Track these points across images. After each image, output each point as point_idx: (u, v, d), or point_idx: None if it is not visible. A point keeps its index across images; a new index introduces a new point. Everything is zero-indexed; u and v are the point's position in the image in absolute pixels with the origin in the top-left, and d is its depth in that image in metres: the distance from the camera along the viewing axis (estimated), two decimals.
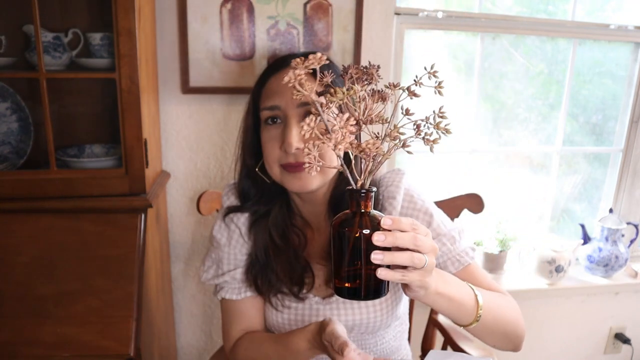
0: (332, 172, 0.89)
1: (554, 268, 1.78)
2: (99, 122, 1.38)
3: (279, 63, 0.92)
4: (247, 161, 0.96)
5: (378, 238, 0.61)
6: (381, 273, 0.62)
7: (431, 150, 0.61)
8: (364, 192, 0.63)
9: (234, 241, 0.99)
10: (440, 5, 1.69)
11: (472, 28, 1.66)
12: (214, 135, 1.50)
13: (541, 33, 1.73)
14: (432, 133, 0.60)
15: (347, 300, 0.92)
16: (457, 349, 1.22)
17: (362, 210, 0.63)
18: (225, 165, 1.53)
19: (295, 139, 0.84)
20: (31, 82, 1.28)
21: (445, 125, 0.60)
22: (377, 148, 0.59)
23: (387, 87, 0.62)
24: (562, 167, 1.94)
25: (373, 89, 0.62)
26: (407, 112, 0.61)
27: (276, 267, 0.95)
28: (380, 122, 0.61)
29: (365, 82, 0.62)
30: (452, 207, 1.40)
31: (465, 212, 1.41)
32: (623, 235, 1.86)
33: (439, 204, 1.39)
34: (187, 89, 1.42)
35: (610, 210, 1.88)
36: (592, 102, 1.90)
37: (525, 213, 1.97)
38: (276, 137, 0.88)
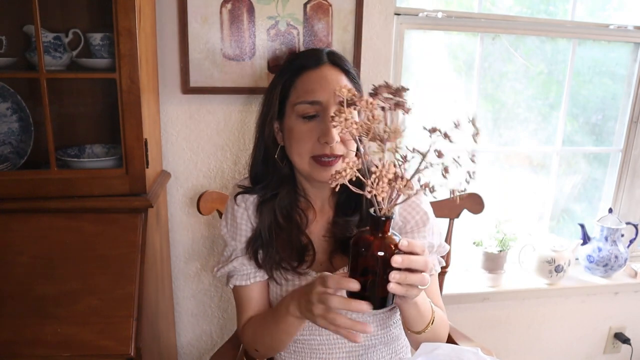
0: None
1: (553, 268, 1.79)
2: (99, 122, 1.38)
3: (313, 58, 0.97)
4: (269, 148, 1.01)
5: (396, 260, 0.69)
6: (392, 287, 0.71)
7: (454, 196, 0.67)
8: (384, 219, 0.70)
9: (243, 225, 1.04)
10: (440, 6, 1.69)
11: (472, 28, 1.66)
12: (214, 135, 1.50)
13: (541, 33, 1.73)
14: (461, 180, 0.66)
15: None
16: None
17: (380, 235, 0.71)
18: (226, 165, 1.53)
19: (336, 134, 0.90)
20: (31, 82, 1.28)
21: (472, 173, 0.66)
22: (408, 188, 0.66)
23: (425, 129, 0.67)
24: (562, 167, 1.94)
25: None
26: (439, 154, 0.67)
27: (277, 243, 1.01)
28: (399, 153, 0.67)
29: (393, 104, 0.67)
30: (452, 207, 1.40)
31: (465, 212, 1.41)
32: (622, 235, 1.87)
33: (439, 203, 1.39)
34: (187, 89, 1.42)
35: (610, 210, 1.88)
36: (592, 102, 1.90)
37: (525, 213, 1.97)
38: (313, 129, 0.93)
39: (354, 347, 1.02)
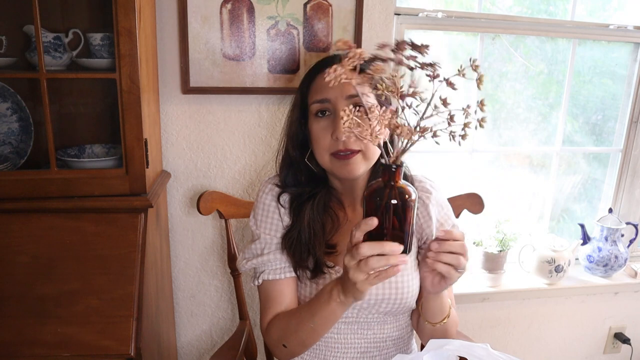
0: (375, 159, 0.99)
1: (553, 268, 1.79)
2: (99, 122, 1.38)
3: (326, 61, 1.02)
4: (291, 152, 1.05)
5: (433, 247, 0.82)
6: (440, 267, 0.83)
7: (460, 141, 0.68)
8: (395, 167, 0.71)
9: (277, 220, 1.04)
10: (440, 6, 1.69)
11: (472, 28, 1.66)
12: (214, 135, 1.50)
13: (541, 33, 1.73)
14: (467, 124, 0.67)
15: None
16: None
17: (392, 183, 0.72)
18: (226, 165, 1.53)
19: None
20: (32, 83, 1.28)
21: (482, 119, 0.66)
22: (410, 134, 0.68)
23: (428, 77, 0.69)
24: (561, 167, 1.94)
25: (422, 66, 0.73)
26: (444, 103, 0.68)
27: (309, 244, 1.01)
28: (419, 97, 0.70)
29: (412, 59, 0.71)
30: (452, 207, 1.40)
31: (465, 212, 1.41)
32: (622, 235, 1.87)
33: None
34: (187, 89, 1.42)
35: (610, 210, 1.88)
36: (591, 102, 1.90)
37: (525, 213, 1.97)
38: (326, 127, 0.97)
39: (368, 347, 1.06)
